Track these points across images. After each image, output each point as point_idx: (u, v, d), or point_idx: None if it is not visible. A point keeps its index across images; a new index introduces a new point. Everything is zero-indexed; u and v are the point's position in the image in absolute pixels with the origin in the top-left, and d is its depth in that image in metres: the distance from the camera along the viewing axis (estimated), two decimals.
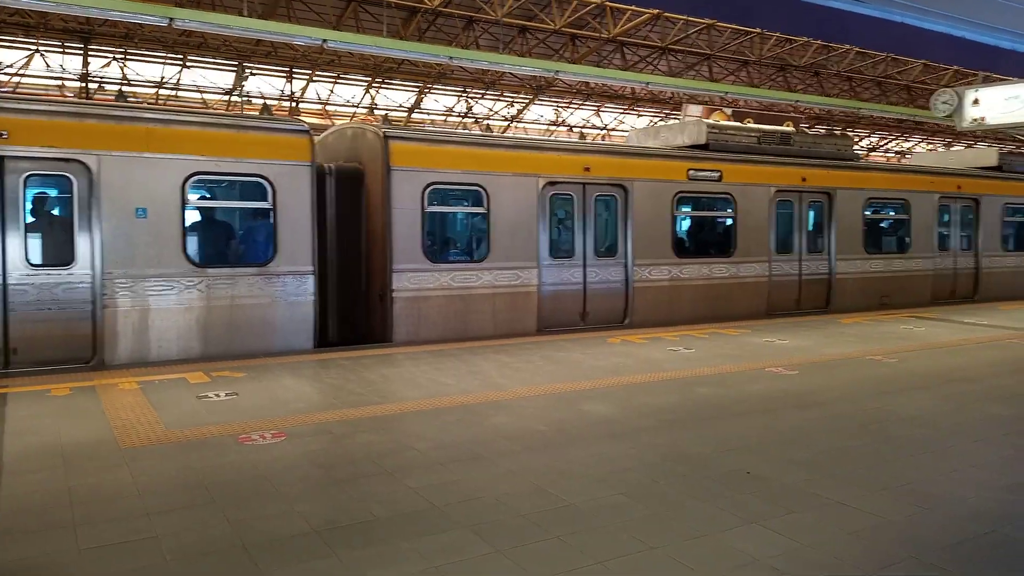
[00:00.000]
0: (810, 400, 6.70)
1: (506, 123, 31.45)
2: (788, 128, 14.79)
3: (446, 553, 3.53)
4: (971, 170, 16.30)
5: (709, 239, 12.78)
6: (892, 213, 14.85)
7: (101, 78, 23.31)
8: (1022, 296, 16.22)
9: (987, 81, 13.97)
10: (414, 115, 29.23)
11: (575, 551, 3.56)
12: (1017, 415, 6.19)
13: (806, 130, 19.43)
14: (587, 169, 11.03)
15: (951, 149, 39.00)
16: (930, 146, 42.32)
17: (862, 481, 4.55)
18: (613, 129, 34.63)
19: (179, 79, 24.86)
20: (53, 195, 8.18)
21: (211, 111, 22.97)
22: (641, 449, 5.22)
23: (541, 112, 32.54)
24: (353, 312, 10.00)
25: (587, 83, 28.23)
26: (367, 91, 27.84)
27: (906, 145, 42.81)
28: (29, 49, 22.17)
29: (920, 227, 14.81)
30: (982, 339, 10.36)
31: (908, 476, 4.66)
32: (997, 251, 16.14)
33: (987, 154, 17.51)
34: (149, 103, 23.26)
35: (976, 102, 13.21)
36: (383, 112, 28.07)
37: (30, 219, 7.86)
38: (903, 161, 38.12)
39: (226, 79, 25.54)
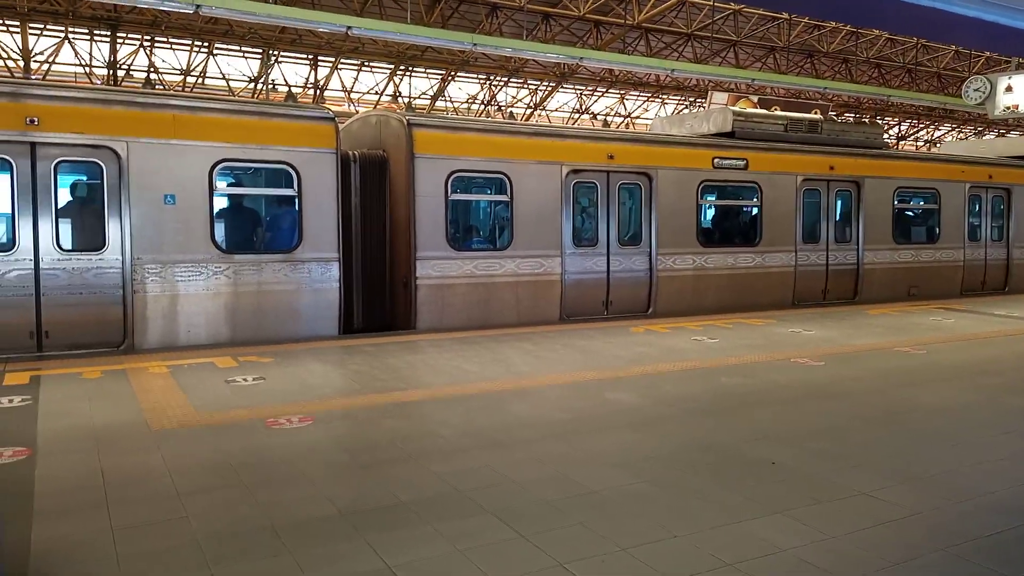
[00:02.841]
0: (836, 391, 6.64)
1: (529, 111, 31.35)
2: (816, 116, 14.60)
3: (470, 537, 3.56)
4: (1003, 159, 16.01)
5: (734, 228, 12.69)
6: (921, 203, 14.64)
7: (129, 66, 23.55)
8: None
9: (1020, 68, 13.67)
10: (437, 103, 29.23)
11: (598, 537, 3.57)
12: None
13: (834, 118, 19.17)
14: (611, 157, 10.98)
15: (982, 138, 38.26)
16: (961, 135, 41.58)
17: (888, 472, 4.51)
18: (637, 117, 34.40)
19: (205, 67, 25.06)
20: (83, 181, 8.31)
21: (237, 98, 23.12)
22: (664, 438, 5.22)
23: (565, 99, 32.40)
24: (378, 299, 10.06)
25: (611, 70, 28.06)
26: (391, 79, 27.88)
27: (936, 134, 42.10)
28: (58, 36, 22.45)
29: (950, 217, 14.58)
30: (1012, 332, 10.20)
31: (935, 468, 4.62)
32: None
33: (1019, 143, 17.18)
34: (176, 90, 23.48)
35: (1009, 89, 12.97)
36: (406, 100, 28.10)
37: (61, 205, 7.99)
38: (933, 150, 37.50)
39: (252, 67, 25.71)
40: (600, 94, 32.44)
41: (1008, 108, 12.74)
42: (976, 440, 5.24)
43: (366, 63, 26.87)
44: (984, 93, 13.09)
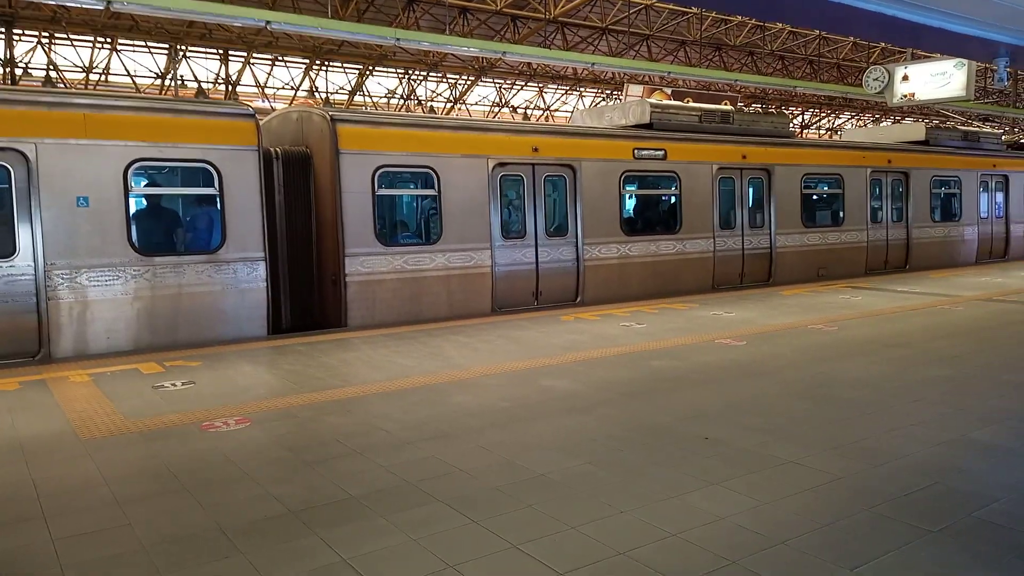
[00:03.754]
0: (759, 369, 6.97)
1: (449, 105, 31.29)
2: (728, 107, 15.13)
3: (425, 525, 3.61)
4: (901, 144, 16.97)
5: (655, 217, 13.05)
6: (827, 188, 15.38)
7: (27, 64, 22.33)
8: (951, 265, 17.04)
9: (916, 58, 14.53)
10: (356, 98, 28.84)
11: (548, 518, 3.69)
12: (951, 376, 6.57)
13: (743, 109, 19.88)
14: (536, 150, 11.13)
15: (880, 125, 40.35)
16: (860, 122, 43.71)
17: (813, 442, 4.79)
18: (556, 110, 34.78)
19: (108, 63, 23.99)
20: None
21: (152, 96, 22.23)
22: (602, 421, 5.38)
23: (484, 93, 32.47)
24: (306, 298, 9.93)
25: (529, 64, 28.26)
26: (306, 73, 27.33)
27: (837, 122, 44.14)
28: None
29: (853, 201, 15.38)
30: (916, 306, 10.87)
31: (855, 435, 4.93)
32: (927, 222, 16.88)
33: (915, 129, 18.25)
34: (78, 89, 22.39)
35: (906, 78, 13.76)
36: (324, 95, 27.61)
37: None
38: (835, 137, 39.32)
39: (158, 63, 24.74)
40: (519, 88, 32.65)
41: (905, 96, 13.53)
42: (890, 408, 5.61)
43: (280, 57, 26.26)
44: (883, 82, 13.85)
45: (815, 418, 5.35)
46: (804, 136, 38.69)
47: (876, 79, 13.92)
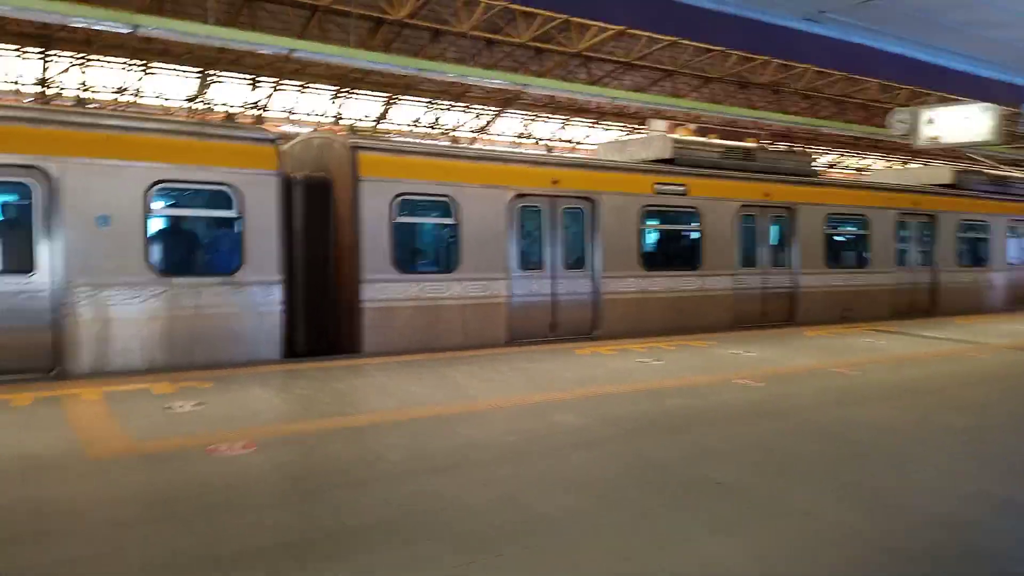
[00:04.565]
0: (777, 411, 6.81)
1: (473, 135, 31.53)
2: (751, 144, 15.07)
3: (421, 564, 3.51)
4: (927, 187, 16.78)
5: (675, 252, 12.95)
6: (852, 228, 15.20)
7: (60, 84, 22.86)
8: (978, 311, 16.70)
9: (941, 101, 14.41)
10: (380, 126, 29.16)
11: (550, 561, 3.57)
12: (975, 425, 6.37)
13: (768, 146, 19.81)
14: (555, 182, 11.11)
15: (907, 167, 40.06)
16: (887, 163, 43.44)
17: (829, 490, 4.64)
18: (579, 143, 34.94)
19: (140, 86, 24.48)
20: (12, 202, 8.00)
21: (175, 118, 22.62)
22: (611, 459, 5.26)
23: (508, 125, 32.70)
24: (322, 322, 9.91)
25: (553, 97, 28.45)
26: (333, 101, 27.71)
27: (864, 162, 43.89)
28: None
29: (879, 242, 15.17)
30: (941, 352, 10.64)
31: (874, 485, 4.77)
32: (954, 266, 16.60)
33: (942, 172, 18.04)
34: (110, 110, 22.85)
35: (931, 121, 13.61)
36: (350, 122, 27.95)
37: None
38: (861, 178, 39.06)
39: (189, 87, 25.22)
40: (543, 120, 32.86)
41: (930, 139, 13.38)
42: (911, 457, 5.43)
43: (308, 85, 26.67)
44: (908, 125, 13.70)
45: (833, 465, 5.19)
46: (830, 175, 38.47)
47: (901, 121, 13.79)
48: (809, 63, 23.38)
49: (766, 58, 25.41)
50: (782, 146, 34.44)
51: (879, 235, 15.14)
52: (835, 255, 14.74)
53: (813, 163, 15.55)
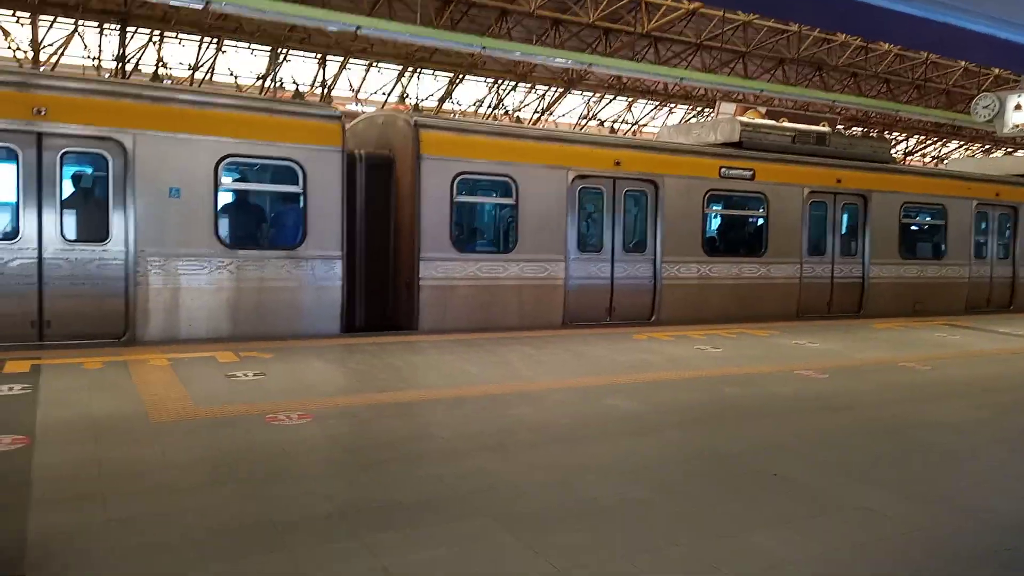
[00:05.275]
0: (840, 404, 6.59)
1: (536, 115, 31.36)
2: (824, 128, 14.56)
3: (470, 540, 3.51)
4: (1010, 177, 15.96)
5: (740, 238, 12.65)
6: (928, 218, 14.59)
7: (138, 60, 23.59)
8: None
9: None
10: (444, 105, 29.25)
11: (598, 544, 3.53)
12: None
13: (842, 131, 19.11)
14: (618, 163, 10.95)
15: (989, 156, 38.22)
16: (969, 152, 41.55)
17: (892, 487, 4.46)
18: (644, 125, 34.40)
19: (214, 63, 25.09)
20: (89, 172, 8.29)
21: (245, 94, 23.14)
22: (665, 446, 5.17)
23: (572, 106, 32.40)
24: (380, 298, 10.03)
25: (619, 77, 28.05)
26: (399, 79, 27.90)
27: (943, 150, 42.08)
28: (68, 29, 22.49)
29: (956, 234, 14.53)
30: (1017, 349, 10.14)
31: (940, 484, 4.57)
32: None
33: None
34: (184, 85, 23.49)
35: (1019, 107, 12.93)
36: (413, 101, 28.12)
37: (66, 195, 7.97)
38: (940, 166, 37.46)
39: (260, 64, 25.73)
40: (608, 101, 32.45)
41: (1017, 126, 12.71)
42: (982, 457, 5.19)
43: (375, 63, 26.90)
44: (993, 111, 13.05)
45: (897, 461, 4.99)
46: (907, 163, 37.00)
47: (986, 107, 13.14)
48: (891, 42, 22.45)
49: (844, 39, 24.50)
50: (858, 131, 33.25)
51: (956, 226, 14.49)
52: (909, 245, 14.18)
53: (890, 150, 14.92)
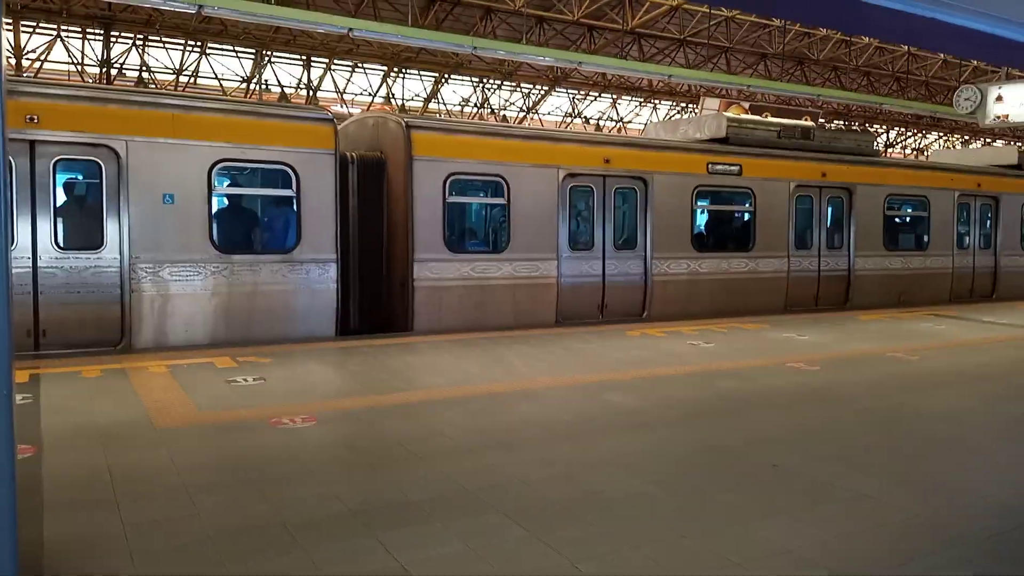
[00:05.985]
0: (832, 395, 6.73)
1: (522, 114, 31.43)
2: (808, 123, 14.73)
3: (482, 535, 3.60)
4: (991, 168, 16.20)
5: (728, 233, 12.78)
6: (911, 210, 14.79)
7: (121, 64, 23.44)
8: None
9: (1011, 78, 13.86)
10: (430, 105, 29.27)
11: (607, 536, 3.62)
12: None
13: (826, 125, 19.35)
14: (607, 161, 11.05)
15: (969, 147, 38.70)
16: (948, 143, 42.02)
17: (887, 475, 4.58)
18: (629, 121, 34.56)
19: (198, 66, 24.98)
20: (82, 179, 8.29)
21: (237, 99, 23.05)
22: (666, 440, 5.28)
23: (557, 103, 32.50)
24: (374, 300, 10.08)
25: (604, 75, 28.18)
26: (384, 80, 27.89)
27: (924, 142, 42.54)
28: (51, 34, 22.33)
29: (939, 225, 14.75)
30: (1003, 338, 10.34)
31: (933, 471, 4.70)
32: (1016, 250, 16.05)
33: (1007, 152, 17.40)
34: (168, 90, 23.38)
35: (1000, 99, 13.13)
36: (399, 102, 28.12)
37: (59, 203, 7.97)
38: (921, 158, 37.89)
39: (244, 67, 25.64)
40: (593, 98, 32.57)
41: (998, 117, 12.91)
42: (973, 445, 5.33)
43: (359, 64, 26.88)
44: (975, 102, 13.24)
45: (891, 450, 5.12)
46: (889, 155, 37.40)
47: (967, 99, 13.32)
48: (871, 35, 22.68)
49: (825, 33, 24.74)
50: (841, 125, 33.57)
51: (939, 217, 14.71)
52: (893, 237, 14.38)
53: (875, 143, 15.11)
